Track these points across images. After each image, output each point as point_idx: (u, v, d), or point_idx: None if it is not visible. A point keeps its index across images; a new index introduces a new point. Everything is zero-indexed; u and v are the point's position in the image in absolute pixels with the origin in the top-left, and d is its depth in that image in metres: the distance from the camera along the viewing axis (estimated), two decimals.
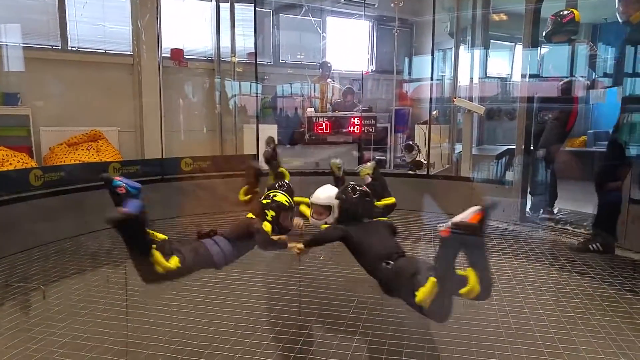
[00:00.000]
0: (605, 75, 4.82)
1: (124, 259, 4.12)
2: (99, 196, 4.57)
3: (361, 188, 3.13)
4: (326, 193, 3.53)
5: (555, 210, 5.14)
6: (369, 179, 4.13)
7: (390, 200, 4.02)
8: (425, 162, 5.81)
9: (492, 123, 8.07)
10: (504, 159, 6.04)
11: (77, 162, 5.69)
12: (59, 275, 3.68)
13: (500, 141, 7.77)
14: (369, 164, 4.26)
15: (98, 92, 6.24)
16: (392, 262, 2.60)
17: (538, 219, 5.06)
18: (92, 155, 5.90)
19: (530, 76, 5.20)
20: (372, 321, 2.95)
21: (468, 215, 2.13)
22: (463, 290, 2.20)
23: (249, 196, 4.05)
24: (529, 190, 5.18)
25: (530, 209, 5.17)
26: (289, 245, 3.13)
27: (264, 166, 4.47)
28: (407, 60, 8.15)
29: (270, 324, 2.95)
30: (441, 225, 2.12)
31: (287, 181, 3.93)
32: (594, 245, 3.81)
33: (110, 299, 3.24)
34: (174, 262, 2.63)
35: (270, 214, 3.23)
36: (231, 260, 3.05)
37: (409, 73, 8.30)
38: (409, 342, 2.67)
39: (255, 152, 5.99)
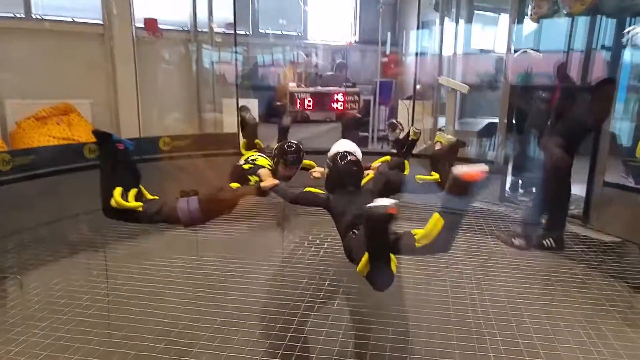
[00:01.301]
0: None
1: (103, 245, 4.06)
2: (73, 180, 4.48)
3: (351, 157, 3.13)
4: (341, 147, 3.68)
5: (533, 189, 5.21)
6: (439, 146, 4.20)
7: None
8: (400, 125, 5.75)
9: (475, 95, 8.07)
10: (490, 138, 6.06)
11: (49, 137, 5.46)
12: (35, 266, 3.60)
13: (482, 113, 7.78)
14: (448, 137, 4.33)
15: (67, 63, 5.90)
16: (356, 233, 2.70)
17: (517, 199, 5.14)
18: (64, 130, 5.64)
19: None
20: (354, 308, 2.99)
21: (472, 169, 2.18)
22: (418, 234, 2.34)
23: (252, 151, 4.08)
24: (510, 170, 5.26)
25: (509, 188, 5.24)
26: (264, 184, 3.19)
27: (252, 117, 4.47)
28: (389, 34, 7.95)
29: (258, 319, 2.95)
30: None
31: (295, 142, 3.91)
32: (547, 241, 3.91)
33: (92, 294, 3.16)
34: (133, 204, 2.89)
35: (254, 179, 3.26)
36: (198, 221, 3.11)
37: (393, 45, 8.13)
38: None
39: (235, 127, 5.84)
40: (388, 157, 4.44)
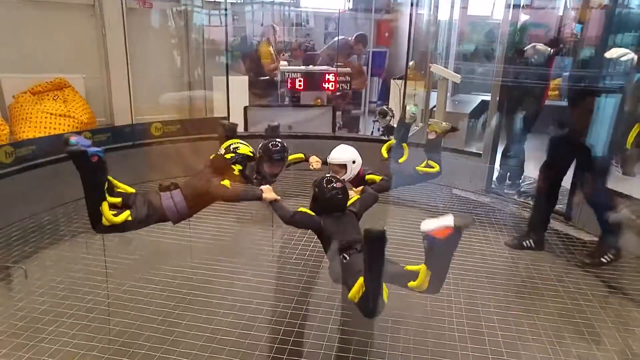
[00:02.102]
0: None
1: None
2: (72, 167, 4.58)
3: (336, 183, 3.09)
4: (341, 153, 3.80)
5: (521, 181, 5.36)
6: (433, 136, 4.21)
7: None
8: (390, 111, 5.78)
9: (468, 65, 8.02)
10: (480, 118, 6.10)
11: (45, 114, 5.49)
12: (39, 259, 3.80)
13: (475, 89, 7.77)
14: (443, 124, 4.30)
15: (58, 35, 5.82)
16: (347, 257, 2.75)
17: (503, 191, 5.29)
18: (59, 105, 5.66)
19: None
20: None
21: (440, 225, 2.20)
22: (411, 284, 2.39)
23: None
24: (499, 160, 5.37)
25: (496, 179, 5.38)
26: (265, 195, 3.12)
27: (232, 123, 4.38)
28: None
29: (264, 321, 3.13)
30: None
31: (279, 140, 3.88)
32: (527, 242, 4.05)
33: (94, 294, 3.34)
34: (123, 216, 2.93)
35: (237, 168, 3.26)
36: (186, 216, 3.21)
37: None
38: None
39: (225, 105, 5.87)
40: (392, 141, 4.49)
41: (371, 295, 2.40)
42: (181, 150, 5.19)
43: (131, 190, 3.16)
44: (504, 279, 3.78)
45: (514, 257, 4.07)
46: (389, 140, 4.61)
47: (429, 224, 2.23)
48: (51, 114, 5.54)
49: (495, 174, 5.40)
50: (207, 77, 6.23)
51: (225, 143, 3.37)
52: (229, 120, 4.74)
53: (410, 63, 6.46)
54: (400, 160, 4.36)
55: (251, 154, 3.34)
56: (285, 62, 6.62)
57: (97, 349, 2.79)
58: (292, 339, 2.94)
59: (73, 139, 2.76)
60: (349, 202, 3.11)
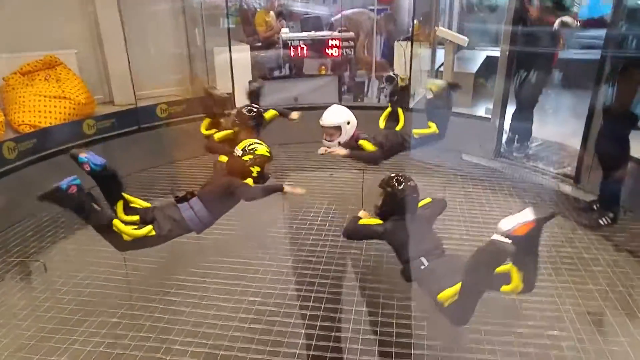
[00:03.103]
0: None
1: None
2: None
3: (410, 182, 2.96)
4: (334, 114, 3.60)
5: (529, 143, 5.34)
6: (430, 95, 4.06)
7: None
8: (396, 76, 5.68)
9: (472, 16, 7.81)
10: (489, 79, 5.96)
11: (40, 97, 5.30)
12: (58, 254, 3.81)
13: (480, 44, 7.58)
14: (438, 81, 4.22)
15: (45, 8, 5.49)
16: (426, 263, 2.66)
17: (512, 155, 5.27)
18: (53, 87, 5.47)
19: None
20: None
21: (519, 222, 2.13)
22: (505, 288, 2.30)
23: (213, 130, 4.09)
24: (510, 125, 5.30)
25: (505, 142, 5.35)
26: (290, 190, 3.26)
27: (224, 92, 4.49)
28: None
29: (289, 306, 3.16)
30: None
31: (256, 105, 3.95)
32: (604, 219, 4.00)
33: (118, 289, 3.36)
34: (145, 230, 2.88)
35: (256, 170, 3.26)
36: (209, 224, 3.22)
37: None
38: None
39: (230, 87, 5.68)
40: (389, 110, 4.33)
41: (473, 304, 2.34)
42: (188, 131, 5.08)
43: (146, 204, 3.14)
44: None
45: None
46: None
47: (508, 223, 2.16)
48: (45, 96, 5.33)
49: (504, 137, 5.36)
50: (207, 49, 6.00)
51: (242, 143, 3.33)
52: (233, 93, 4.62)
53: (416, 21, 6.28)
54: (398, 128, 4.19)
55: (268, 154, 3.32)
56: (287, 29, 6.37)
57: (131, 347, 2.82)
58: (318, 323, 2.99)
59: (83, 156, 2.78)
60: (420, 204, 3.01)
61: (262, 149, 3.30)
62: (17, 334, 2.92)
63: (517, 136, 5.28)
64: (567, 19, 4.46)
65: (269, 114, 4.06)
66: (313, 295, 3.24)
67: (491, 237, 2.19)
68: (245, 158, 3.24)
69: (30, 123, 5.05)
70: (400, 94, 4.30)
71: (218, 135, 3.88)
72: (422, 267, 2.68)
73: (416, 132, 4.04)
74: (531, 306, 3.09)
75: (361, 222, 3.00)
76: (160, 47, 6.10)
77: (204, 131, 4.15)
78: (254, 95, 4.44)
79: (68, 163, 3.39)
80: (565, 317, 3.01)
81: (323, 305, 3.14)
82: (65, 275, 3.50)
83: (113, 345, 2.84)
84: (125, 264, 3.60)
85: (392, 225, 2.87)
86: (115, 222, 2.83)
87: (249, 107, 3.83)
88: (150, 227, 2.93)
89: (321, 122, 3.63)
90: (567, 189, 4.65)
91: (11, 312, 3.15)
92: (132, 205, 3.07)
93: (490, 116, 5.25)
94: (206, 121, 4.20)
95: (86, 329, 2.97)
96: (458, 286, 2.32)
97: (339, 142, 3.44)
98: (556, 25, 4.61)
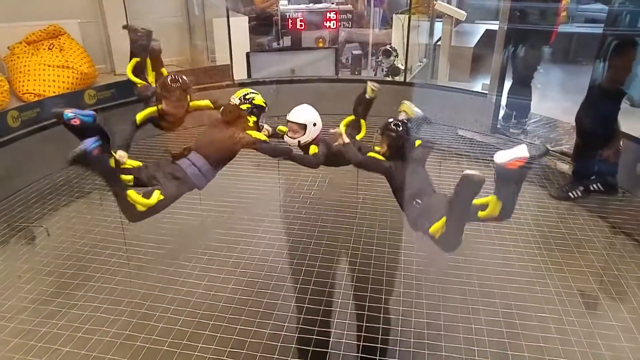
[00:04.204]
0: None
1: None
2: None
3: (408, 125, 3.17)
4: (304, 112, 3.45)
5: (527, 119, 5.34)
6: (402, 117, 3.68)
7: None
8: (402, 68, 5.69)
9: None
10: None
11: (44, 66, 5.38)
12: (60, 219, 3.94)
13: (478, 17, 7.45)
14: (415, 109, 3.79)
15: None
16: (420, 202, 2.87)
17: (509, 131, 5.29)
18: (57, 57, 5.54)
19: None
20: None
21: (513, 157, 2.27)
22: (481, 214, 2.50)
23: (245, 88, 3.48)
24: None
25: (502, 118, 5.35)
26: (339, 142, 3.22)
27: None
28: None
29: (280, 279, 3.27)
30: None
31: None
32: (574, 192, 4.05)
33: (117, 257, 3.49)
34: (155, 197, 2.69)
35: (252, 119, 3.19)
36: (211, 177, 3.06)
37: None
38: None
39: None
40: (351, 117, 3.87)
41: (458, 232, 2.57)
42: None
43: (137, 163, 2.93)
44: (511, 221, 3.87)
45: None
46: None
47: (503, 156, 2.30)
48: (49, 65, 5.42)
49: (502, 113, 5.36)
50: (206, 19, 5.97)
51: (238, 92, 3.26)
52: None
53: None
54: (358, 137, 3.81)
55: (264, 104, 3.27)
56: (285, 1, 6.32)
57: (126, 313, 2.97)
58: (307, 296, 3.11)
59: (69, 112, 2.54)
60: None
61: (259, 99, 3.25)
62: (19, 297, 3.10)
63: (514, 112, 5.28)
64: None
65: (200, 104, 3.42)
66: (304, 269, 3.36)
67: (463, 172, 2.35)
68: (243, 107, 3.17)
69: (35, 92, 5.16)
70: (366, 105, 3.82)
71: (139, 116, 3.24)
72: (417, 206, 2.90)
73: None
74: (522, 287, 3.17)
75: (369, 154, 3.17)
76: (161, 17, 6.10)
77: (129, 73, 3.53)
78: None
79: (69, 134, 3.49)
80: (555, 300, 3.07)
81: (313, 279, 3.26)
82: (67, 241, 3.66)
83: (110, 310, 2.99)
84: (124, 233, 3.74)
85: (395, 164, 3.08)
86: (130, 192, 2.62)
87: (172, 76, 3.21)
88: (157, 192, 2.73)
89: (288, 117, 3.40)
90: (565, 167, 4.66)
91: (15, 275, 3.33)
92: (122, 166, 2.85)
93: (487, 92, 5.23)
94: (134, 61, 3.55)
95: (85, 294, 3.13)
96: (444, 219, 2.54)
97: (299, 142, 3.40)
98: None
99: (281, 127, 3.45)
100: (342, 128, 3.49)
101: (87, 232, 3.76)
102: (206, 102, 3.35)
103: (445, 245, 2.70)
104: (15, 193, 4.27)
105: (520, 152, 2.26)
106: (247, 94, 3.24)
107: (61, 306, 3.03)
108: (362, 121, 3.84)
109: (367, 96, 3.78)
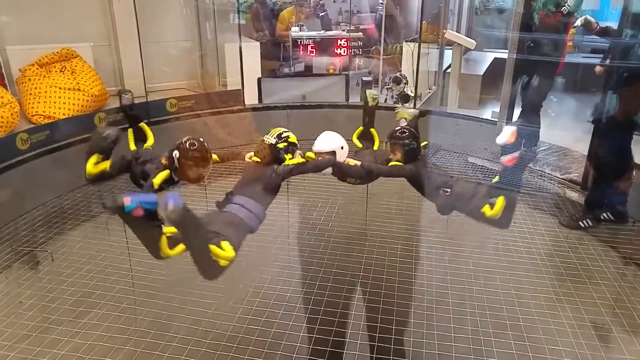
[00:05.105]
0: None
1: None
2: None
3: (411, 129, 3.44)
4: (328, 140, 3.51)
5: (536, 148, 5.30)
6: (404, 123, 3.96)
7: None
8: (412, 95, 5.70)
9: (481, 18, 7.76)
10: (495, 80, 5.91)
11: (55, 88, 5.41)
12: (64, 245, 3.89)
13: (488, 45, 7.50)
14: (411, 110, 4.21)
15: (63, 2, 5.64)
16: (448, 190, 3.21)
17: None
18: (68, 79, 5.58)
19: None
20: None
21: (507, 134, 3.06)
22: (488, 211, 2.96)
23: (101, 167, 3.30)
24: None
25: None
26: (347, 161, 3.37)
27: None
28: None
29: (295, 292, 3.30)
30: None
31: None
32: (585, 221, 4.04)
33: (122, 284, 3.43)
34: (229, 248, 2.55)
35: (288, 157, 3.21)
36: (263, 217, 3.01)
37: None
38: None
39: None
40: (361, 128, 4.11)
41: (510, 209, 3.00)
42: (195, 126, 5.15)
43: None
44: (523, 251, 3.86)
45: (529, 227, 4.14)
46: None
47: (502, 137, 3.03)
48: (60, 87, 5.45)
49: None
50: (218, 44, 6.03)
51: (271, 132, 3.27)
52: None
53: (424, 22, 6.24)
54: (375, 148, 3.99)
55: (297, 142, 3.32)
56: (297, 28, 6.38)
57: (131, 342, 2.89)
58: (316, 326, 3.05)
59: (129, 203, 2.18)
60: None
61: (293, 137, 3.28)
62: (20, 324, 3.02)
63: (523, 140, 5.25)
64: (590, 18, 4.40)
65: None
66: (313, 298, 3.30)
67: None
68: (280, 146, 3.20)
69: (45, 114, 5.17)
70: (371, 115, 4.03)
71: (156, 181, 3.06)
72: (447, 194, 3.21)
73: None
74: (534, 319, 3.11)
75: (391, 164, 3.41)
76: (173, 42, 6.18)
77: (90, 170, 3.28)
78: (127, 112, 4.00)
79: (79, 156, 3.47)
80: (568, 332, 3.00)
81: (322, 309, 3.19)
82: (71, 267, 3.60)
83: (114, 339, 2.91)
84: (130, 258, 3.69)
85: (414, 166, 3.36)
86: (212, 247, 2.47)
87: (191, 141, 3.06)
88: (227, 242, 2.58)
89: (315, 149, 3.45)
90: (574, 195, 4.62)
91: (17, 300, 3.26)
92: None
93: (497, 119, 5.23)
94: (94, 158, 3.28)
95: (88, 321, 3.05)
96: (502, 200, 2.93)
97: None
98: (578, 22, 4.56)
99: (309, 154, 3.45)
100: (355, 141, 3.90)
101: (92, 257, 3.70)
102: (214, 157, 3.25)
103: (503, 223, 3.05)
104: (22, 216, 4.24)
105: (508, 131, 3.04)
106: (282, 132, 3.27)
107: (63, 334, 2.94)
108: (373, 130, 4.04)
109: (369, 105, 4.01)
